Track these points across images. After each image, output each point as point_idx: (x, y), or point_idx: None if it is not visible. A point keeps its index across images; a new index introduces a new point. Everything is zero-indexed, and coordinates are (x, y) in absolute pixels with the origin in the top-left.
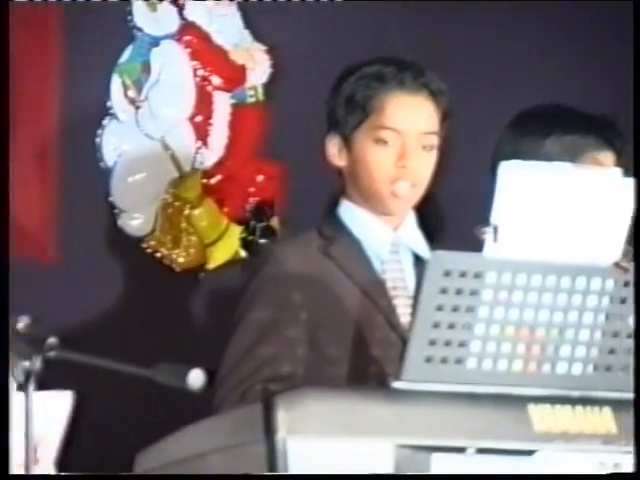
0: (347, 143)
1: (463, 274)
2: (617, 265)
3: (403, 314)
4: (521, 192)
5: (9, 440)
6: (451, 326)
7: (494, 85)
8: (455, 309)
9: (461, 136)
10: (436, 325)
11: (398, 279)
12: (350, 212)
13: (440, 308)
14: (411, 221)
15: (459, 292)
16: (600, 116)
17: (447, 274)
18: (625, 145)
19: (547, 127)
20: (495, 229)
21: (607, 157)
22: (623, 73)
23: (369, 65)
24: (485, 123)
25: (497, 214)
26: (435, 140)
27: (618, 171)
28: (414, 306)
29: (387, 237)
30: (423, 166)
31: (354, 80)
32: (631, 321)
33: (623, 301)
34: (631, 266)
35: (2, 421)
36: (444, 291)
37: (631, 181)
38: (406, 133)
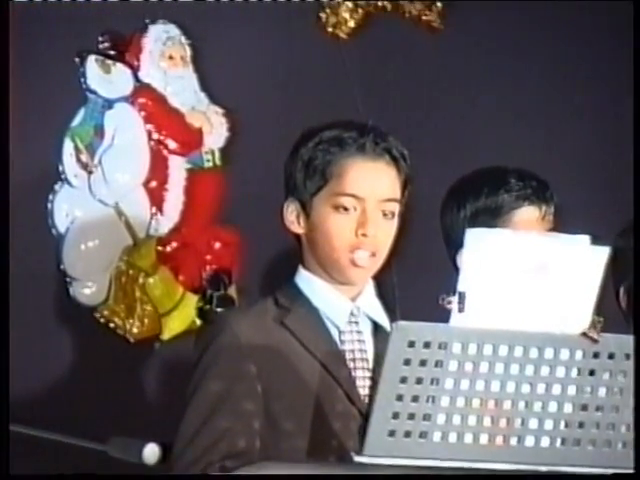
0: (306, 209)
1: (427, 345)
2: (586, 335)
3: (363, 386)
4: (488, 260)
5: (9, 439)
6: (415, 399)
7: (459, 147)
8: (419, 381)
9: (423, 201)
10: (399, 398)
11: (357, 350)
12: (308, 280)
13: (404, 380)
14: (370, 290)
15: (423, 363)
16: (524, 172)
17: (411, 345)
18: (551, 199)
19: (474, 190)
20: (461, 298)
21: (529, 212)
22: (623, 73)
23: (329, 129)
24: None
25: (463, 282)
26: (396, 207)
27: (587, 239)
28: (377, 378)
29: (345, 307)
30: (383, 234)
31: (313, 145)
32: (602, 393)
33: (592, 373)
34: (600, 337)
35: (2, 420)
36: (408, 362)
37: (602, 249)
38: (367, 200)
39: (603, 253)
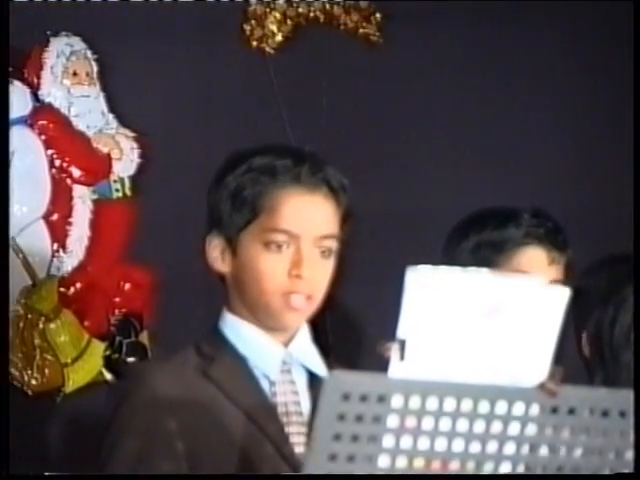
0: (232, 245)
1: (364, 397)
2: (543, 387)
3: (297, 443)
4: (432, 302)
5: (9, 440)
6: (350, 458)
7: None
8: (355, 438)
9: (363, 236)
10: (333, 457)
11: (291, 402)
12: (234, 326)
13: (337, 437)
14: (304, 335)
15: (360, 418)
16: (541, 211)
17: (346, 397)
18: (564, 246)
19: (481, 221)
20: (402, 345)
21: (536, 254)
22: (623, 73)
23: (260, 155)
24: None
25: (404, 327)
26: (334, 244)
27: (544, 280)
28: (308, 434)
29: (277, 354)
30: (320, 275)
31: (241, 172)
32: (562, 452)
33: (550, 429)
34: (559, 389)
35: (2, 421)
36: (342, 417)
37: (562, 290)
38: (302, 237)
39: (563, 295)
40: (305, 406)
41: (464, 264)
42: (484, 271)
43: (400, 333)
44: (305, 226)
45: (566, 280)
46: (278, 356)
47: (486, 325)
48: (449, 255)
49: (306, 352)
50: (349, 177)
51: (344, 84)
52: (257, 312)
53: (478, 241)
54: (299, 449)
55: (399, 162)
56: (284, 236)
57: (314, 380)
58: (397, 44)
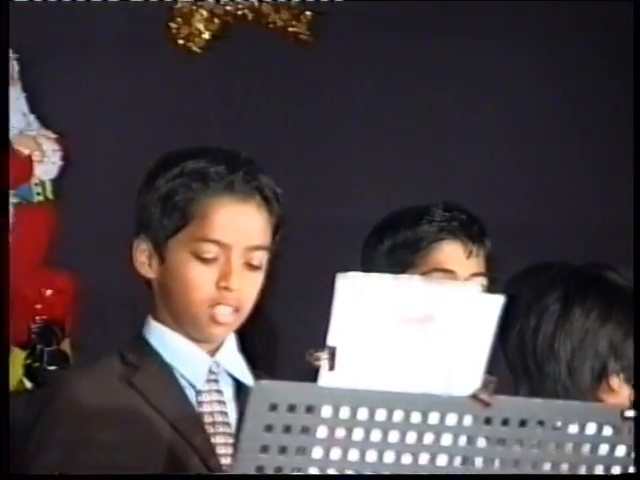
0: (160, 251)
1: (292, 408)
2: (476, 398)
3: (224, 455)
4: (362, 309)
5: (9, 440)
6: (278, 470)
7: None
8: (283, 450)
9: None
10: (260, 469)
11: (217, 413)
12: (159, 334)
13: (265, 449)
14: (231, 344)
15: (287, 429)
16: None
17: (273, 408)
18: (481, 237)
19: (396, 222)
20: (332, 353)
21: (452, 248)
22: (623, 73)
23: (193, 159)
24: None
25: (334, 335)
26: (265, 255)
27: (477, 286)
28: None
29: (203, 363)
30: (249, 287)
31: (173, 176)
32: (495, 465)
33: (483, 440)
34: (492, 399)
35: (2, 421)
36: (269, 429)
37: (495, 298)
38: (233, 248)
39: (497, 302)
40: (232, 416)
41: (382, 268)
42: (416, 278)
43: (330, 341)
44: (236, 236)
45: (487, 272)
46: (204, 365)
47: (418, 333)
48: (367, 261)
49: (233, 361)
50: (277, 180)
51: (273, 84)
52: (183, 322)
53: (393, 243)
54: (226, 460)
55: (328, 163)
56: (214, 246)
57: (241, 390)
58: (329, 42)
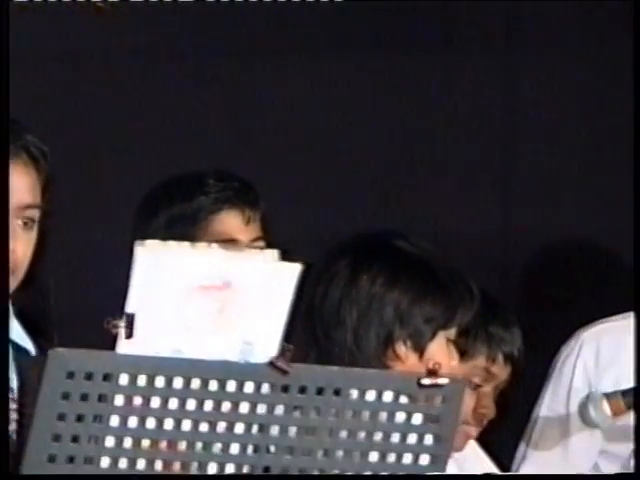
0: None
1: (89, 376)
2: (273, 365)
3: (10, 420)
4: (161, 277)
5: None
6: (75, 439)
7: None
8: (80, 418)
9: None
10: (56, 438)
11: None
12: None
13: (62, 417)
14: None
15: (85, 398)
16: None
17: (70, 376)
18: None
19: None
20: (130, 321)
21: (230, 217)
22: (623, 73)
23: None
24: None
25: (131, 303)
26: (37, 214)
27: (275, 254)
28: (27, 412)
29: None
30: (23, 247)
31: None
32: (292, 432)
33: (281, 409)
34: (290, 367)
35: (2, 421)
36: (66, 396)
37: (293, 266)
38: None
39: (294, 270)
40: (15, 382)
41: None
42: (214, 246)
43: (128, 308)
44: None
45: (265, 236)
46: None
47: (216, 301)
48: (141, 234)
49: (10, 328)
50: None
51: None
52: None
53: (170, 217)
54: (12, 427)
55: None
56: None
57: (21, 355)
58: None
